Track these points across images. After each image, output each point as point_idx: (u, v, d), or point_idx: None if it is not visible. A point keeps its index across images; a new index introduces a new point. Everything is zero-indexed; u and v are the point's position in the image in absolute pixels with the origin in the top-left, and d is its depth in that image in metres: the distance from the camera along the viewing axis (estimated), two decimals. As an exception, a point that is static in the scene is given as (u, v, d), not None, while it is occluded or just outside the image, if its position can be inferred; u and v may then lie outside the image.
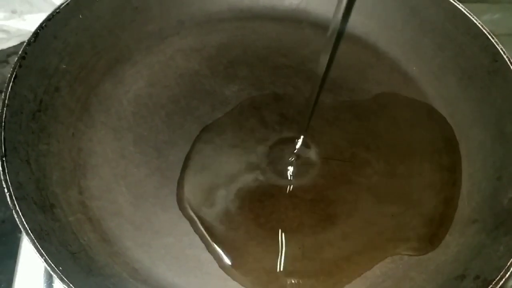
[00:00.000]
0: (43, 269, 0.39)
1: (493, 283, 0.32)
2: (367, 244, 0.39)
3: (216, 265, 0.37)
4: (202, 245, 0.37)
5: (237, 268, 0.37)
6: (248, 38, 0.47)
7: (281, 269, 0.37)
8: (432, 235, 0.39)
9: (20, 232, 0.39)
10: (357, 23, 0.48)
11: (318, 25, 0.48)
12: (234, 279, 0.36)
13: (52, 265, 0.30)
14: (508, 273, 0.32)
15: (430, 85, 0.46)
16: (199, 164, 0.41)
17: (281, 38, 0.48)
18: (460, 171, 0.42)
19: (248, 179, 0.40)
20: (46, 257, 0.30)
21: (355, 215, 0.40)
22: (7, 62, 0.57)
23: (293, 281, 0.37)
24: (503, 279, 0.32)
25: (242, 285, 0.36)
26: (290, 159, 0.42)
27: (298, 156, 0.42)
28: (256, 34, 0.48)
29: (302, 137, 0.42)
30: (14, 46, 0.57)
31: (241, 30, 0.48)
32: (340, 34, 0.47)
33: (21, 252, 0.40)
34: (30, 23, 0.56)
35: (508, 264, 0.32)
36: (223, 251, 0.37)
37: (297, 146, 0.42)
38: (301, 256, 0.38)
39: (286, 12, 0.49)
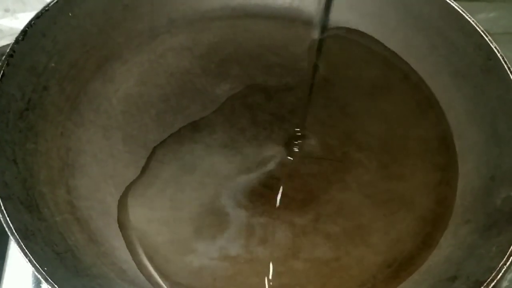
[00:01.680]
0: (31, 270, 0.39)
1: (485, 284, 0.31)
2: (358, 244, 0.38)
3: (206, 266, 0.36)
4: (191, 244, 0.37)
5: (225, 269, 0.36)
6: (240, 36, 0.47)
7: (271, 270, 0.37)
8: (426, 236, 0.39)
9: (10, 232, 0.39)
10: (350, 21, 0.48)
11: (311, 23, 0.48)
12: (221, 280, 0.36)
13: (37, 265, 0.30)
14: (500, 274, 0.31)
15: (424, 83, 0.45)
16: (190, 163, 0.40)
17: (274, 37, 0.47)
18: (453, 171, 0.42)
19: (238, 179, 0.40)
20: (31, 257, 0.30)
21: (347, 215, 0.39)
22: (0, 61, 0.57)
23: (283, 282, 0.36)
24: (495, 280, 0.31)
25: (230, 285, 0.36)
26: (281, 158, 0.41)
27: (289, 156, 0.42)
28: (248, 32, 0.47)
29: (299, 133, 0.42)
30: (7, 45, 0.57)
31: (233, 28, 0.47)
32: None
33: (10, 253, 0.40)
34: (23, 22, 0.55)
35: (500, 265, 0.32)
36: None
37: (290, 146, 0.42)
38: (291, 257, 0.37)
39: (279, 10, 0.49)
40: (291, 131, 0.42)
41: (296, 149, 0.42)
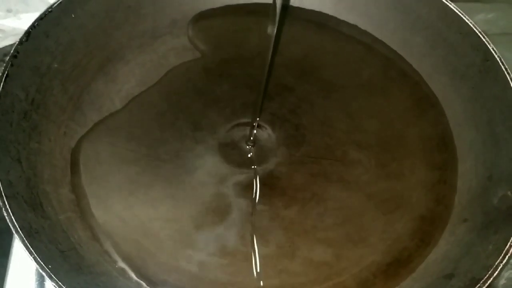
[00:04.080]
0: (35, 268, 0.40)
1: (481, 281, 0.32)
2: (358, 243, 0.39)
3: (206, 262, 0.37)
4: (193, 242, 0.37)
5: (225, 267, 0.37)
6: (240, 35, 0.47)
7: (271, 267, 0.37)
8: (424, 234, 0.39)
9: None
10: (349, 21, 0.48)
11: (312, 22, 0.48)
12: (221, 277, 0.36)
13: (41, 263, 0.30)
14: (497, 272, 0.32)
15: (422, 83, 0.46)
16: (191, 162, 0.41)
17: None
18: (452, 170, 0.42)
19: (239, 177, 0.41)
20: (35, 255, 0.30)
21: (346, 213, 0.40)
22: (3, 61, 0.57)
23: (282, 280, 0.37)
24: (491, 278, 0.32)
25: (230, 283, 0.36)
26: (282, 158, 0.42)
27: (288, 154, 0.42)
28: (249, 31, 0.48)
29: (256, 122, 0.42)
30: (10, 45, 0.57)
31: (233, 27, 0.47)
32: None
33: (13, 251, 0.40)
34: (25, 22, 0.56)
35: (497, 263, 0.32)
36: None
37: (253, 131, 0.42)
38: (291, 255, 0.38)
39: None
40: (291, 130, 0.43)
41: (296, 149, 0.42)
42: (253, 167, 0.41)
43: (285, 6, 0.48)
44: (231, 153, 0.42)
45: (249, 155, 0.42)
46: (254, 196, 0.40)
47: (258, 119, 0.42)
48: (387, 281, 0.37)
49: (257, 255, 0.37)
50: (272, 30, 0.36)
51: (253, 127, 0.42)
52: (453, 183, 0.41)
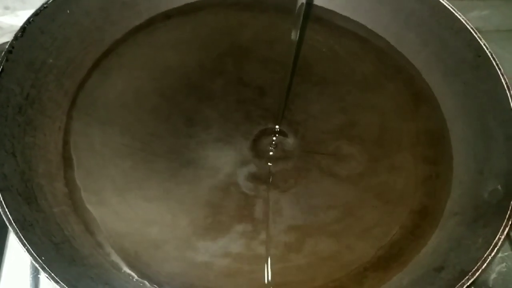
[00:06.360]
0: (29, 262, 0.40)
1: (470, 273, 0.32)
2: (350, 236, 0.39)
3: (200, 254, 0.37)
4: (186, 234, 0.38)
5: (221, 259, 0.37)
6: (235, 31, 0.47)
7: (266, 262, 0.37)
8: (415, 228, 0.40)
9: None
10: (343, 17, 0.49)
11: (307, 17, 0.48)
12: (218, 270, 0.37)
13: (35, 255, 0.31)
14: (485, 264, 0.32)
15: (415, 79, 0.46)
16: (185, 157, 0.41)
17: (269, 31, 0.48)
18: (443, 164, 0.42)
19: (232, 172, 0.41)
20: (29, 247, 0.31)
21: (338, 207, 0.40)
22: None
23: (275, 271, 0.37)
24: (480, 270, 0.32)
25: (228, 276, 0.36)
26: (273, 152, 0.42)
27: (282, 150, 0.42)
28: (244, 27, 0.48)
29: (277, 127, 0.43)
30: (7, 42, 0.58)
31: (229, 22, 0.48)
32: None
33: (8, 244, 0.40)
34: (23, 19, 0.56)
35: (485, 255, 0.33)
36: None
37: (274, 137, 0.43)
38: (283, 247, 0.38)
39: (275, 3, 0.49)
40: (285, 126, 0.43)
41: (288, 143, 0.43)
42: (268, 164, 0.42)
43: (309, 4, 0.48)
44: (227, 148, 0.42)
45: (271, 153, 0.42)
46: (267, 192, 0.40)
47: (277, 126, 0.43)
48: (378, 274, 0.37)
49: (269, 258, 0.38)
50: (295, 34, 0.36)
51: (274, 133, 0.43)
52: (444, 178, 0.42)
